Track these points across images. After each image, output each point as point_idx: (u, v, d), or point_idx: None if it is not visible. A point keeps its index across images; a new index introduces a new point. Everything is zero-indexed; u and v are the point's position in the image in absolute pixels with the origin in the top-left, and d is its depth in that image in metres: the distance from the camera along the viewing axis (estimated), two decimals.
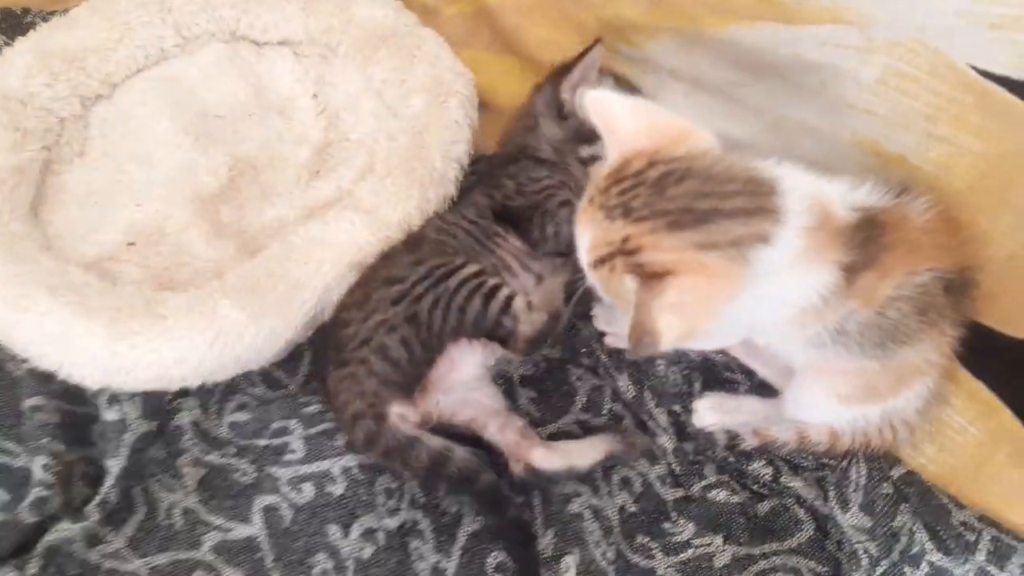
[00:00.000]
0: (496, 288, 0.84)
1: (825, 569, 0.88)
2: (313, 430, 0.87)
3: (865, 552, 0.85)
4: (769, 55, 0.86)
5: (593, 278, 0.70)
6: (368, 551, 0.82)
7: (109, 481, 0.82)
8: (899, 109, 0.80)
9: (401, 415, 0.82)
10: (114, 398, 0.86)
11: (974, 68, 0.74)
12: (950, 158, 0.79)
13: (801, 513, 0.91)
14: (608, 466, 0.89)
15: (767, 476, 0.91)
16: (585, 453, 0.88)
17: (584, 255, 0.70)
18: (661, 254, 0.64)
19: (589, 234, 0.69)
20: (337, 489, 0.84)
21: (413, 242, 0.91)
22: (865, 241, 0.71)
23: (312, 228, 0.89)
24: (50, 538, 0.78)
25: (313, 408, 0.88)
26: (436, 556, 0.82)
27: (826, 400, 0.85)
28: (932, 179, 0.81)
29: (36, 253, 0.89)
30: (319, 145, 1.06)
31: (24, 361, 0.87)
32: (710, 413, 0.93)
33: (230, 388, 0.92)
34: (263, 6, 1.08)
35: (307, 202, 1.01)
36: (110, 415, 0.85)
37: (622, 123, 0.69)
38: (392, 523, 0.83)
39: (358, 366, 0.83)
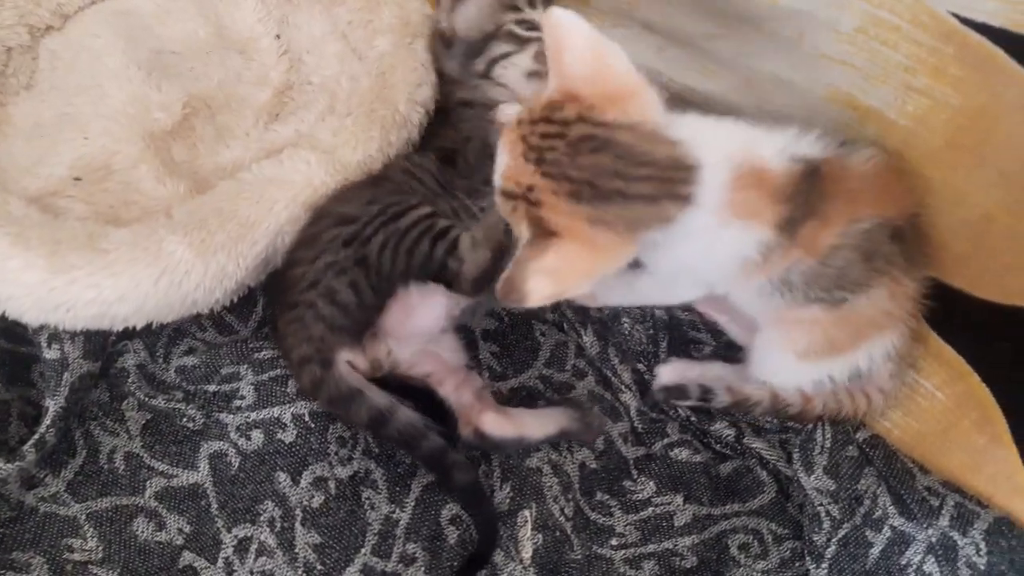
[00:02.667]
0: (446, 229, 0.81)
1: (786, 531, 0.86)
2: (264, 376, 0.83)
3: (827, 515, 0.83)
4: (746, 3, 0.83)
5: (498, 202, 0.71)
6: (318, 500, 0.79)
7: (47, 421, 0.78)
8: (877, 60, 0.78)
9: (350, 361, 0.79)
10: (54, 336, 0.81)
11: (956, 16, 0.72)
12: (927, 112, 0.77)
13: (763, 475, 0.89)
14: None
15: (730, 437, 0.89)
16: (539, 425, 0.86)
17: (497, 178, 0.70)
18: (556, 216, 0.65)
19: (505, 161, 0.69)
20: (287, 436, 0.81)
21: (372, 181, 0.87)
22: (806, 192, 0.71)
23: (266, 167, 0.85)
24: None
25: (265, 354, 0.85)
26: (389, 506, 0.80)
27: (784, 355, 0.84)
28: (908, 134, 0.79)
29: None
30: (280, 87, 1.02)
31: None
32: (672, 378, 0.91)
33: (179, 332, 0.88)
34: None
35: (264, 145, 0.97)
36: (50, 354, 0.81)
37: (572, 62, 0.67)
38: (344, 472, 0.80)
39: (305, 309, 0.79)
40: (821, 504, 0.84)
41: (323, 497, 0.79)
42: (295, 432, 0.81)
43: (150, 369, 0.85)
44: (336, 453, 0.81)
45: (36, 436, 0.77)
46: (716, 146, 0.70)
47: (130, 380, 0.84)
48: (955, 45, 0.73)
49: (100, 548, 0.77)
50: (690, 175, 0.68)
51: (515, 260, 0.66)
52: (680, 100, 0.98)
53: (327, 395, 0.78)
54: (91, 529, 0.78)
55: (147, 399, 0.84)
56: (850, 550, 0.82)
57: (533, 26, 0.92)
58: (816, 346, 0.82)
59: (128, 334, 0.85)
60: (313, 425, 0.81)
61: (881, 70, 0.78)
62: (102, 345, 0.84)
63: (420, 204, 0.83)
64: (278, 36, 1.05)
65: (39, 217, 0.82)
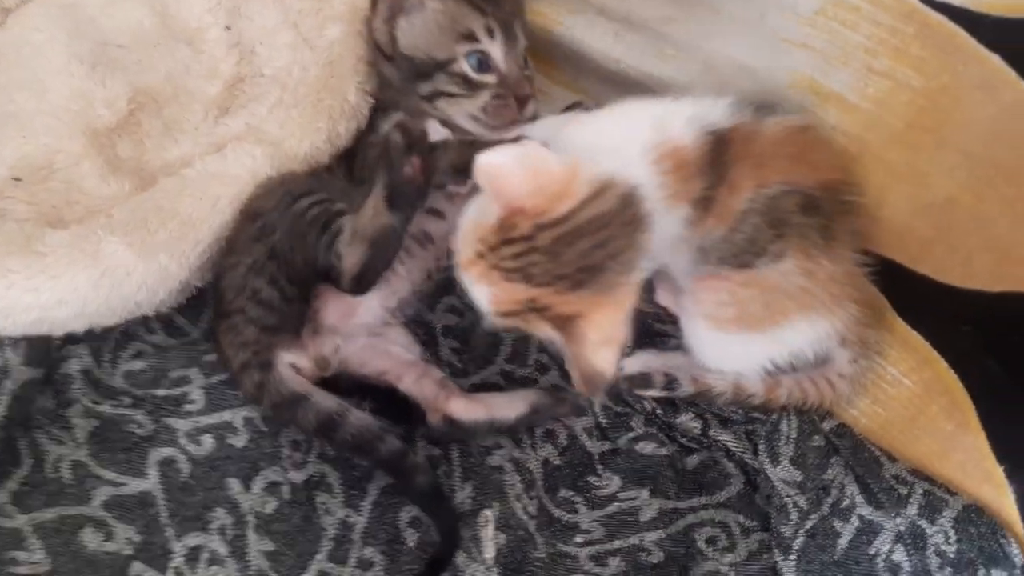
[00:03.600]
0: (334, 217, 0.77)
1: (753, 523, 0.85)
2: (214, 379, 0.81)
3: (795, 506, 0.82)
4: None
5: (500, 324, 0.72)
6: (271, 505, 0.76)
7: None
8: (837, 42, 0.77)
9: (292, 363, 0.76)
10: None
11: None
12: (888, 94, 0.76)
13: (730, 467, 0.88)
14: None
15: (696, 429, 0.88)
16: (509, 405, 0.84)
17: (488, 307, 0.71)
18: (570, 307, 0.68)
19: (489, 291, 0.70)
20: (239, 441, 0.78)
21: (291, 175, 0.85)
22: (716, 162, 0.73)
23: (210, 162, 0.83)
24: None
25: (215, 356, 0.82)
26: (345, 511, 0.78)
27: (702, 325, 0.83)
28: (869, 117, 0.78)
29: None
30: (230, 80, 0.98)
31: None
32: (637, 367, 0.89)
33: (126, 335, 0.85)
34: None
35: (214, 140, 0.93)
36: None
37: (512, 189, 0.67)
38: (298, 476, 0.78)
39: (237, 316, 0.77)
40: (788, 495, 0.83)
41: (276, 502, 0.77)
42: (247, 436, 0.78)
43: (96, 374, 0.83)
44: (289, 457, 0.79)
45: None
46: (635, 151, 0.72)
47: (75, 386, 0.81)
48: (916, 25, 0.72)
49: (47, 560, 0.74)
50: (636, 198, 0.70)
51: (570, 358, 0.70)
52: (639, 88, 0.96)
53: (270, 401, 0.76)
54: (37, 541, 0.75)
55: (93, 405, 0.81)
56: (818, 541, 0.81)
57: (483, 62, 0.86)
58: (730, 315, 0.81)
59: (73, 338, 0.82)
60: (265, 429, 0.79)
61: (841, 52, 0.77)
62: (45, 351, 0.81)
63: (315, 190, 0.80)
64: (228, 27, 1.02)
65: None
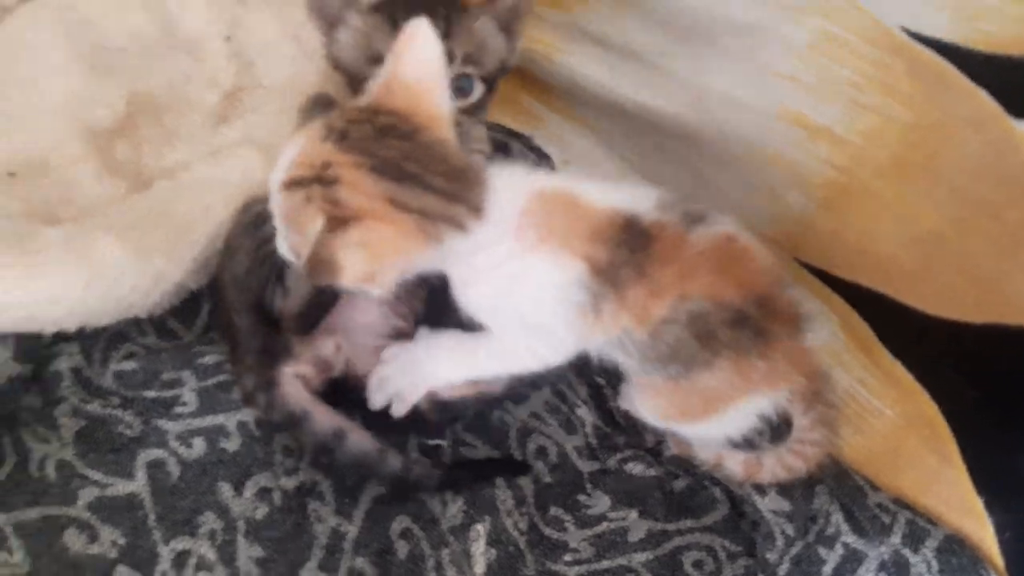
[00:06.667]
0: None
1: (739, 548, 0.85)
2: (208, 382, 0.80)
3: (781, 533, 0.83)
4: (701, 15, 0.84)
5: (279, 200, 0.66)
6: (262, 511, 0.75)
7: None
8: (827, 77, 0.80)
9: (294, 375, 0.76)
10: None
11: (907, 31, 0.74)
12: (877, 128, 0.79)
13: (716, 492, 0.89)
14: (525, 434, 0.86)
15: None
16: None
17: (280, 173, 0.65)
18: (356, 195, 0.62)
19: (296, 148, 0.65)
20: (231, 445, 0.77)
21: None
22: (629, 250, 0.69)
23: (205, 166, 0.83)
24: None
25: (209, 359, 0.81)
26: (336, 519, 0.76)
27: (650, 417, 0.83)
28: (858, 151, 0.81)
29: None
30: (230, 90, 0.99)
31: None
32: (630, 398, 0.90)
33: (118, 336, 0.84)
34: None
35: (212, 148, 0.93)
36: None
37: (406, 67, 0.66)
38: (290, 483, 0.77)
39: (234, 350, 0.78)
40: (776, 523, 0.83)
41: (267, 509, 0.75)
42: (239, 440, 0.77)
43: (86, 373, 0.81)
44: (282, 463, 0.77)
45: None
46: (515, 178, 0.71)
47: (64, 384, 0.80)
48: (906, 61, 0.75)
49: (27, 562, 0.72)
50: (481, 189, 0.68)
51: (314, 244, 0.61)
52: (634, 119, 0.98)
53: (278, 421, 0.76)
54: (18, 541, 0.72)
55: (82, 404, 0.79)
56: (803, 568, 0.83)
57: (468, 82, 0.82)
58: (671, 410, 0.81)
59: (63, 336, 0.81)
60: (259, 434, 0.78)
61: (831, 87, 0.80)
62: (35, 347, 0.79)
63: None
64: (228, 38, 1.03)
65: None
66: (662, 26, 0.89)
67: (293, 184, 0.64)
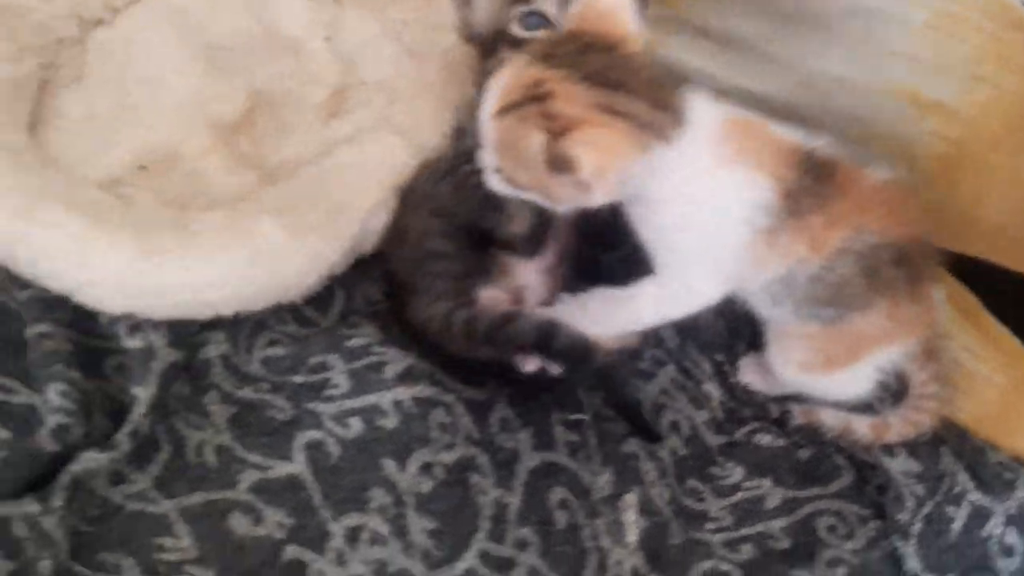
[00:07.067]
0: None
1: (867, 512, 0.88)
2: (358, 364, 0.81)
3: (912, 494, 0.85)
4: (810, 2, 0.88)
5: (491, 130, 0.68)
6: (427, 485, 0.76)
7: (140, 409, 0.74)
8: (945, 52, 0.83)
9: (491, 298, 0.78)
10: (136, 326, 0.78)
11: None
12: (990, 100, 0.82)
13: (840, 460, 0.91)
14: (657, 410, 0.88)
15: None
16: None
17: (490, 104, 0.68)
18: (570, 105, 0.65)
19: (503, 80, 0.68)
20: (389, 423, 0.78)
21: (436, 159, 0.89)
22: (814, 177, 0.72)
23: (346, 151, 0.86)
24: (75, 468, 0.69)
25: (356, 342, 0.82)
26: (498, 491, 0.78)
27: (791, 371, 0.86)
28: (970, 122, 0.84)
29: (41, 168, 0.81)
30: (335, 87, 1.01)
31: (26, 287, 0.78)
32: (751, 371, 0.93)
33: (260, 324, 0.84)
34: None
35: (325, 140, 0.95)
36: (132, 343, 0.77)
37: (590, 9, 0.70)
38: (449, 458, 0.78)
39: (426, 279, 0.79)
40: (906, 484, 0.86)
41: (432, 483, 0.76)
42: (396, 419, 0.78)
43: (234, 361, 0.82)
44: (439, 439, 0.78)
45: (130, 426, 0.73)
46: (706, 99, 0.73)
47: (214, 371, 0.80)
48: (1022, 32, 0.79)
49: (195, 546, 0.72)
50: (679, 101, 0.70)
51: (544, 146, 0.64)
52: (735, 103, 1.02)
53: (483, 332, 0.77)
54: (184, 526, 0.72)
55: (233, 391, 0.80)
56: (934, 527, 0.84)
57: (542, 22, 0.83)
58: (813, 361, 0.83)
59: (209, 325, 0.82)
60: (415, 411, 0.78)
61: (948, 62, 0.83)
62: (185, 335, 0.80)
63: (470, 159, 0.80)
64: (328, 39, 1.05)
65: (115, 201, 0.78)
66: (766, 14, 0.93)
67: (506, 110, 0.66)
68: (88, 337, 0.80)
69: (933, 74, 0.84)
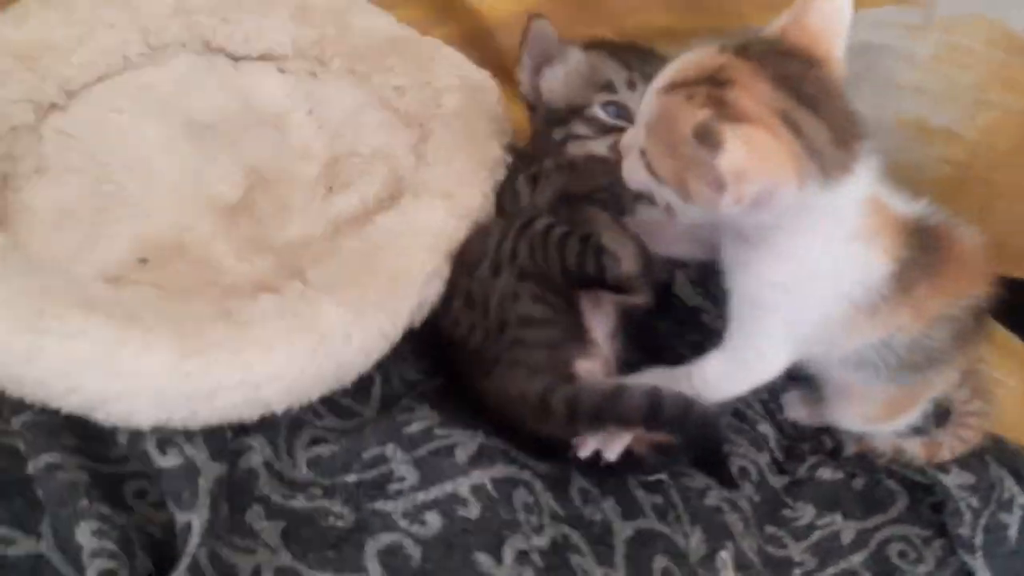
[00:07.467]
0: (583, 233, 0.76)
1: (928, 532, 0.88)
2: (422, 450, 0.73)
3: (968, 507, 0.86)
4: None
5: (654, 105, 0.63)
6: (528, 575, 0.69)
7: (194, 539, 0.63)
8: (951, 82, 0.86)
9: (588, 370, 0.73)
10: (166, 440, 0.67)
11: None
12: (996, 122, 0.87)
13: (892, 484, 0.91)
14: (723, 456, 0.85)
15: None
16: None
17: (661, 79, 0.63)
18: (749, 100, 0.58)
19: (681, 62, 0.62)
20: (471, 512, 0.70)
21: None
22: (923, 251, 0.69)
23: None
24: None
25: (414, 427, 0.75)
26: (601, 569, 0.71)
27: (851, 421, 0.86)
28: (976, 145, 0.88)
29: (32, 269, 0.69)
30: (327, 160, 0.94)
31: (20, 411, 0.66)
32: (797, 406, 0.92)
33: (295, 422, 0.75)
34: (247, 13, 0.97)
35: (331, 218, 0.88)
36: (169, 460, 0.66)
37: (814, 16, 0.64)
38: (542, 541, 0.71)
39: (513, 350, 0.72)
40: (962, 498, 0.87)
41: (532, 572, 0.69)
42: (479, 505, 0.71)
43: (277, 467, 0.72)
44: (527, 522, 0.72)
45: (187, 559, 0.62)
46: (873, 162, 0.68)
47: (260, 482, 0.70)
48: None
49: None
50: (859, 147, 0.64)
51: (699, 124, 0.56)
52: None
53: (589, 408, 0.71)
54: None
55: (283, 501, 0.70)
56: (993, 535, 0.86)
57: (621, 112, 0.87)
58: (879, 413, 0.84)
59: (242, 429, 0.72)
60: (496, 495, 0.72)
61: (953, 91, 0.86)
62: (222, 444, 0.69)
63: (540, 215, 0.79)
64: (310, 112, 0.98)
65: (139, 297, 0.68)
66: None
67: (675, 87, 0.60)
68: (98, 463, 0.68)
69: (939, 103, 0.88)
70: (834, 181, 0.62)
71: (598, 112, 0.87)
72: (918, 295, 0.70)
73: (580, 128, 0.88)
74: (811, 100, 0.60)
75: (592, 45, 0.90)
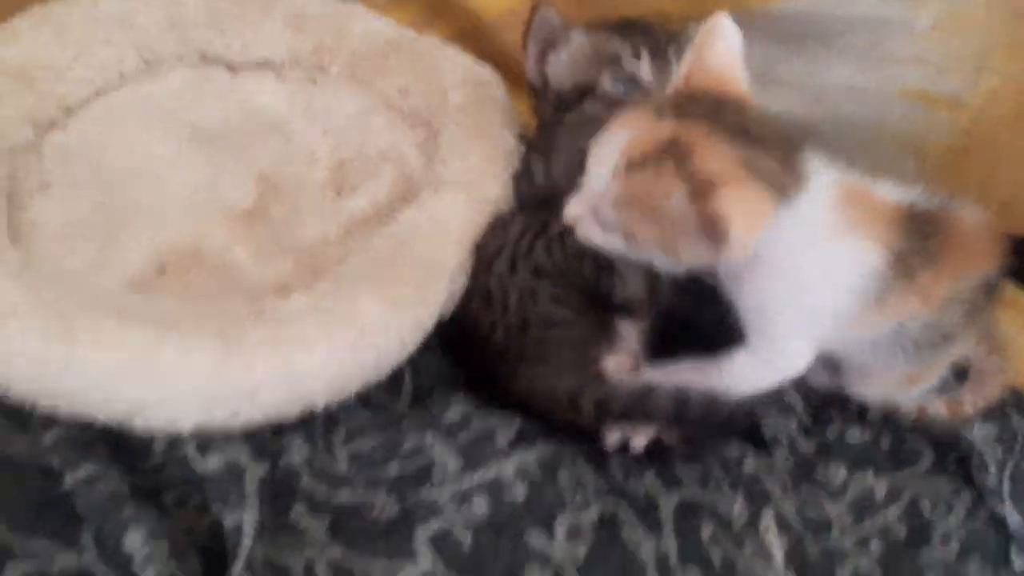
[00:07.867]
0: None
1: (956, 485, 0.89)
2: (462, 438, 0.73)
3: (993, 458, 0.88)
4: (816, 21, 0.90)
5: (619, 186, 0.63)
6: (582, 550, 0.68)
7: (246, 541, 0.62)
8: (952, 50, 0.86)
9: (616, 365, 0.72)
10: (206, 443, 0.66)
11: None
12: (999, 87, 0.86)
13: (916, 441, 0.91)
14: (755, 423, 0.85)
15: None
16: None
17: (614, 159, 0.63)
18: (713, 162, 0.60)
19: (628, 134, 0.63)
20: (518, 494, 0.70)
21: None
22: (920, 237, 0.70)
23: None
24: None
25: (451, 415, 0.74)
26: (652, 539, 0.71)
27: (873, 392, 0.88)
28: (978, 112, 0.89)
29: (55, 282, 0.68)
30: (333, 164, 0.94)
31: (50, 426, 0.65)
32: (818, 371, 0.91)
33: (331, 420, 0.74)
34: (244, 23, 0.96)
35: (343, 220, 0.88)
36: (210, 464, 0.65)
37: (713, 58, 0.67)
38: (590, 517, 0.71)
39: (537, 349, 0.73)
40: (986, 450, 0.88)
41: (585, 547, 0.69)
42: (525, 486, 0.70)
43: (317, 464, 0.71)
44: (573, 499, 0.71)
45: (240, 562, 0.61)
46: (822, 161, 0.70)
47: (303, 480, 0.69)
48: None
49: None
50: (803, 159, 0.66)
51: (688, 202, 0.58)
52: None
53: (619, 406, 0.71)
54: None
55: (327, 498, 0.69)
56: (1018, 485, 0.87)
57: (630, 84, 0.87)
58: (900, 384, 0.85)
59: (278, 429, 0.71)
60: (541, 475, 0.71)
61: (955, 59, 0.86)
62: (263, 443, 0.69)
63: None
64: (312, 117, 0.98)
65: (173, 302, 0.67)
66: (776, 38, 0.93)
67: (638, 165, 0.61)
68: (134, 475, 0.67)
69: (941, 72, 0.87)
70: (794, 198, 0.64)
71: (608, 87, 0.87)
72: (923, 282, 0.70)
73: (592, 108, 0.88)
74: (755, 139, 0.63)
75: (593, 25, 0.91)
